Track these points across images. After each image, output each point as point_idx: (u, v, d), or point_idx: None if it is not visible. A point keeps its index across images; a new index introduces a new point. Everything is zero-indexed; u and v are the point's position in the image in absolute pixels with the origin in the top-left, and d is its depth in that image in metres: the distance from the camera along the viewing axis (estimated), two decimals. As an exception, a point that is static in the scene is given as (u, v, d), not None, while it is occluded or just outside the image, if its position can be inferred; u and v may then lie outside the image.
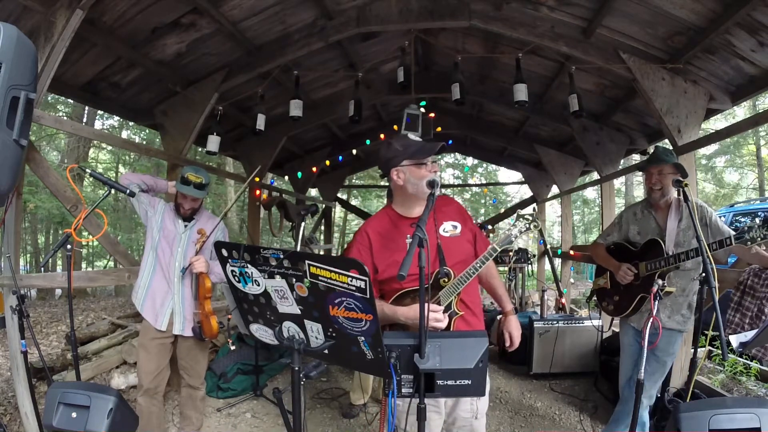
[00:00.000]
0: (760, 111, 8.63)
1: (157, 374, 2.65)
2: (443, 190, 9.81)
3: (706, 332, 2.06)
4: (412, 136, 1.85)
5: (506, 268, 6.34)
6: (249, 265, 1.36)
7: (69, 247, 2.32)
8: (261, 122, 4.06)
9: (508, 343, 1.96)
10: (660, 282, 2.22)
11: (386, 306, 1.75)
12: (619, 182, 15.07)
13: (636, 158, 8.87)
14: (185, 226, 2.73)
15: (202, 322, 2.64)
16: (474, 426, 1.82)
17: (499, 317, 5.41)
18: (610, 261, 2.66)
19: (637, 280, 2.49)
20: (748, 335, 2.47)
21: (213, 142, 4.09)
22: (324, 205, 8.53)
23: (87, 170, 2.75)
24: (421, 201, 1.81)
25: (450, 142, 7.50)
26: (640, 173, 2.69)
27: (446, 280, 1.76)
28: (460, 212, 1.91)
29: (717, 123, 10.68)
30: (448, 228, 1.84)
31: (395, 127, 4.77)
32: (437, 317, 1.66)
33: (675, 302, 2.43)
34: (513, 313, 2.00)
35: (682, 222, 2.43)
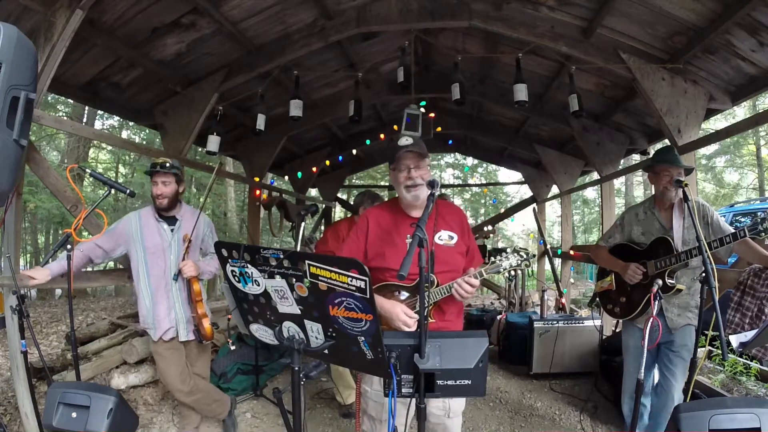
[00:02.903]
0: (760, 111, 8.62)
1: (179, 374, 2.64)
2: (443, 190, 9.80)
3: (706, 332, 2.06)
4: (404, 140, 1.85)
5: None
6: (249, 265, 1.36)
7: (69, 247, 2.32)
8: (261, 122, 4.06)
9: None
10: (660, 282, 2.22)
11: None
12: (619, 182, 15.09)
13: (636, 158, 8.86)
14: (171, 231, 2.65)
15: (198, 326, 2.62)
16: (447, 425, 1.82)
17: (498, 317, 5.42)
18: (616, 262, 2.62)
19: (646, 279, 2.46)
20: (748, 335, 2.47)
21: (213, 142, 4.09)
22: (324, 205, 8.53)
23: (87, 170, 2.74)
24: (410, 205, 1.87)
25: (450, 142, 7.51)
26: (640, 173, 2.68)
27: (428, 286, 1.76)
28: (460, 224, 1.92)
29: (717, 123, 10.68)
30: (444, 237, 1.86)
31: (395, 127, 4.78)
32: (407, 322, 1.69)
33: (683, 301, 2.42)
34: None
35: (686, 220, 2.42)
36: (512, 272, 6.20)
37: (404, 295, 1.84)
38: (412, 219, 1.86)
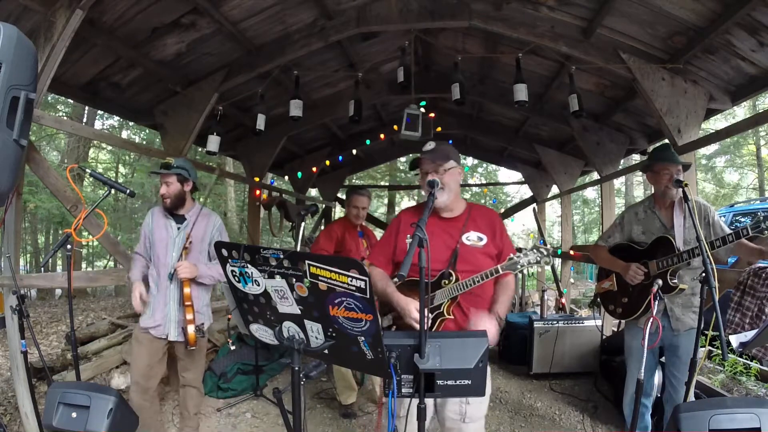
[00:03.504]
0: (760, 111, 8.62)
1: (148, 368, 2.61)
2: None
3: (706, 332, 2.06)
4: (427, 145, 1.91)
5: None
6: (249, 265, 1.36)
7: (69, 247, 2.32)
8: (261, 122, 4.05)
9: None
10: (660, 282, 2.21)
11: (389, 287, 1.86)
12: (619, 182, 15.07)
13: (636, 158, 8.87)
14: (178, 228, 2.66)
15: (184, 329, 2.57)
16: (462, 429, 1.81)
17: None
18: (616, 262, 2.59)
19: (647, 279, 2.43)
20: (748, 335, 2.48)
21: (213, 142, 4.09)
22: (324, 205, 8.53)
23: (87, 170, 2.75)
24: (437, 207, 1.90)
25: (450, 142, 7.51)
26: (640, 173, 2.68)
27: (447, 282, 1.81)
28: (492, 227, 1.93)
29: (717, 123, 10.68)
30: (473, 237, 1.89)
31: (395, 127, 4.77)
32: (414, 317, 1.71)
33: (686, 300, 2.41)
34: (495, 317, 1.80)
35: (687, 219, 2.40)
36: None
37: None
38: (442, 219, 1.92)
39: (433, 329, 1.81)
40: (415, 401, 1.45)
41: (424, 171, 1.88)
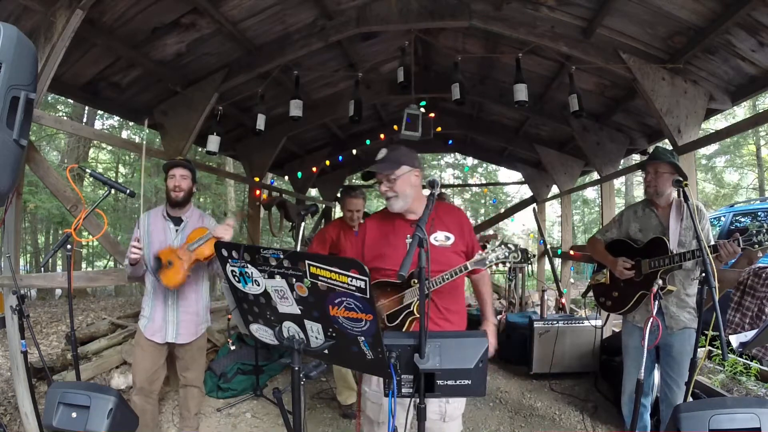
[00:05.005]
0: (760, 111, 8.62)
1: (152, 373, 2.62)
2: (444, 190, 9.83)
3: (706, 332, 2.06)
4: (379, 154, 1.93)
5: (506, 268, 6.33)
6: (249, 265, 1.36)
7: (69, 247, 2.32)
8: (261, 122, 4.05)
9: None
10: (660, 282, 2.22)
11: None
12: (619, 182, 15.06)
13: (636, 158, 8.85)
14: (176, 231, 2.65)
15: (173, 262, 2.47)
16: (443, 429, 1.81)
17: (498, 317, 5.42)
18: (607, 257, 2.66)
19: (639, 276, 2.48)
20: (748, 335, 2.48)
21: (213, 142, 4.09)
22: (324, 205, 8.54)
23: (87, 170, 2.75)
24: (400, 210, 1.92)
25: (450, 142, 7.51)
26: (640, 173, 2.70)
27: (416, 281, 1.81)
28: (459, 225, 1.95)
29: (717, 123, 10.68)
30: (440, 237, 1.91)
31: (395, 127, 4.77)
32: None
33: (681, 301, 2.43)
34: (492, 322, 1.97)
35: (684, 222, 2.43)
36: (510, 269, 6.16)
37: (409, 297, 1.86)
38: (408, 221, 1.93)
39: (404, 329, 1.83)
40: (414, 401, 1.45)
41: (378, 180, 1.90)
